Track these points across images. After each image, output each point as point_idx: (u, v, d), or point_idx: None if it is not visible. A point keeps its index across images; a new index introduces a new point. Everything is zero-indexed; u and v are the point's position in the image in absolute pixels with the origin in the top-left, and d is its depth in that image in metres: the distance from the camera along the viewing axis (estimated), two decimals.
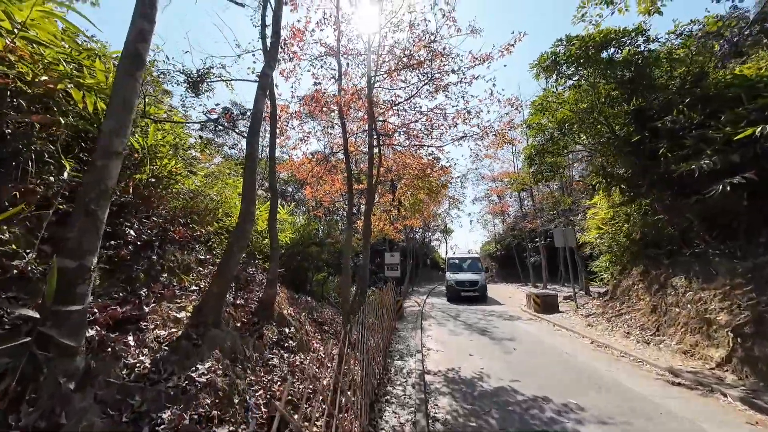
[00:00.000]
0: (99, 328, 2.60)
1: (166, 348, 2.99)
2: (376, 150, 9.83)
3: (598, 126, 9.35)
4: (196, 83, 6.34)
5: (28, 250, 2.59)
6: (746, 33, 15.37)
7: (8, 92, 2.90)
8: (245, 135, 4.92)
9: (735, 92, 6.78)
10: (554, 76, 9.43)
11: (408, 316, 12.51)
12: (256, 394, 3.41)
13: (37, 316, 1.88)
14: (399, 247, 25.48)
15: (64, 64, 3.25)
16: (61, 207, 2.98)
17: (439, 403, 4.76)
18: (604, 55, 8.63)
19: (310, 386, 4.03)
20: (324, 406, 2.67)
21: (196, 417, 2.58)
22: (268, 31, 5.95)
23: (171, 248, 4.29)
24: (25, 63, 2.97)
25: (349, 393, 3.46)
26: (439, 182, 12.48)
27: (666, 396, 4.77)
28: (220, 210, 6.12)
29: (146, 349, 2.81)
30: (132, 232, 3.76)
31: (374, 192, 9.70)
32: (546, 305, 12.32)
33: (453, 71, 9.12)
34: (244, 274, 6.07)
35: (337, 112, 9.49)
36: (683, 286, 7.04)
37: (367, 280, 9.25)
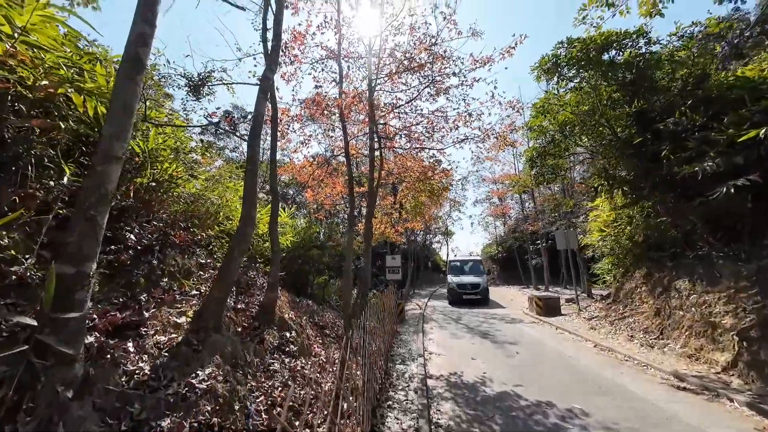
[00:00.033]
0: (98, 335, 2.57)
1: (166, 354, 2.95)
2: (377, 153, 9.82)
3: (600, 128, 9.32)
4: (197, 87, 6.35)
5: (27, 256, 2.57)
6: (747, 35, 15.37)
7: (9, 97, 2.90)
8: (246, 138, 4.91)
9: (737, 94, 6.75)
10: (555, 79, 9.42)
11: (409, 319, 12.45)
12: (257, 400, 3.38)
13: (35, 323, 1.86)
14: (400, 250, 25.43)
15: (65, 68, 3.25)
16: (61, 212, 2.96)
17: (442, 408, 4.71)
18: (606, 57, 8.62)
19: (312, 392, 4.00)
20: (326, 412, 2.64)
21: (196, 425, 2.54)
22: (269, 35, 5.96)
23: (171, 252, 4.26)
24: (25, 67, 2.96)
25: (351, 398, 3.42)
26: (440, 185, 12.45)
27: (671, 401, 4.71)
28: (221, 213, 6.10)
29: (146, 356, 2.78)
30: (132, 236, 3.73)
31: (375, 195, 9.67)
32: (548, 308, 12.25)
33: (454, 74, 9.11)
34: (245, 278, 6.05)
35: (338, 115, 9.49)
36: (687, 289, 6.98)
37: (369, 283, 9.21)
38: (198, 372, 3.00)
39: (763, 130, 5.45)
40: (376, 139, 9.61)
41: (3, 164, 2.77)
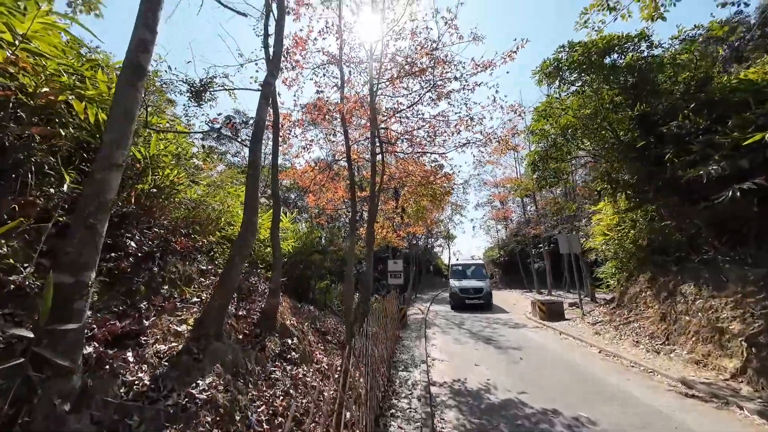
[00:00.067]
0: (97, 345, 2.53)
1: (166, 363, 2.91)
2: (378, 157, 9.80)
3: (602, 132, 9.29)
4: (199, 93, 6.35)
5: (26, 264, 2.54)
6: (747, 37, 15.34)
7: (10, 104, 2.88)
8: (248, 144, 4.89)
9: (741, 97, 6.72)
10: (557, 83, 9.42)
11: (411, 324, 12.37)
12: (258, 410, 3.32)
13: (31, 335, 1.82)
14: (402, 254, 25.34)
15: (66, 75, 3.24)
16: (61, 219, 2.94)
17: (446, 416, 4.64)
18: (607, 60, 8.61)
19: (314, 401, 3.94)
20: (328, 422, 2.59)
21: None
22: (271, 41, 5.96)
23: (172, 259, 4.23)
24: (27, 75, 2.95)
25: (354, 407, 3.36)
26: (442, 189, 12.41)
27: (680, 409, 4.62)
28: (223, 219, 6.08)
29: (145, 366, 2.73)
30: (133, 243, 3.70)
31: (377, 199, 9.64)
32: (551, 312, 12.15)
33: (455, 78, 9.11)
34: (247, 284, 6.00)
35: (339, 119, 9.49)
36: (693, 293, 6.90)
37: (371, 287, 9.15)
38: (198, 381, 2.96)
39: None
40: (377, 144, 9.59)
41: (3, 172, 2.75)
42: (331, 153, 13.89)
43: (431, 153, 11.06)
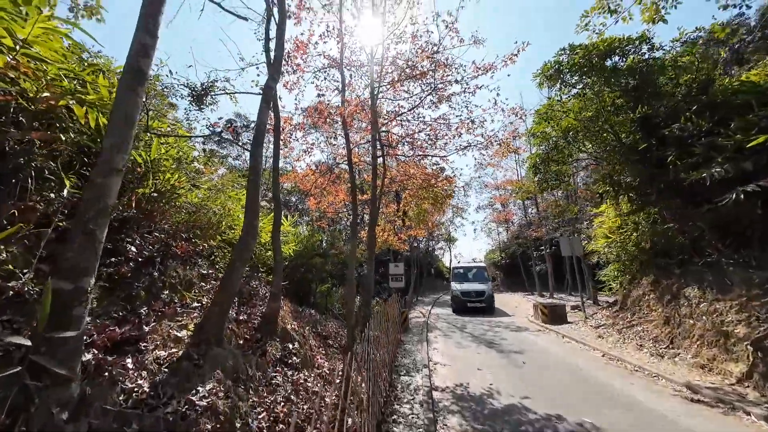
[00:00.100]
0: (96, 351, 2.50)
1: (166, 370, 2.88)
2: (379, 160, 9.79)
3: (604, 134, 9.27)
4: (200, 96, 6.36)
5: (25, 270, 2.52)
6: (747, 40, 15.33)
7: (11, 109, 2.88)
8: (248, 148, 4.88)
9: (744, 99, 6.70)
10: (558, 85, 9.41)
11: (413, 327, 12.31)
12: (259, 416, 3.28)
13: (29, 343, 1.79)
14: (403, 257, 25.31)
15: (67, 80, 3.23)
16: (61, 224, 2.92)
17: (449, 422, 4.59)
18: (609, 63, 8.61)
19: (315, 406, 3.90)
20: (330, 428, 2.55)
21: None
22: (272, 45, 5.97)
23: (173, 264, 4.21)
24: (27, 79, 2.94)
25: (355, 413, 3.32)
26: (443, 192, 12.39)
27: (685, 414, 4.56)
28: (224, 223, 6.06)
29: (145, 372, 2.70)
30: (133, 248, 3.68)
31: (378, 202, 9.62)
32: (554, 316, 12.08)
33: (456, 81, 9.11)
34: (247, 288, 5.97)
35: (340, 123, 9.49)
36: (697, 296, 6.85)
37: (372, 290, 9.11)
38: (198, 388, 2.92)
39: None
40: (378, 147, 9.59)
41: (3, 176, 2.74)
42: (332, 156, 13.90)
43: (432, 156, 11.05)
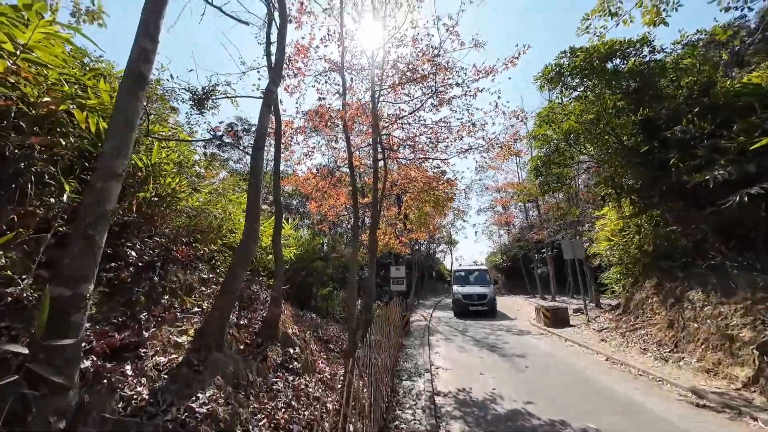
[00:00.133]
0: (95, 358, 2.48)
1: (166, 376, 2.85)
2: (380, 163, 9.78)
3: (605, 136, 9.25)
4: (202, 101, 6.36)
5: (24, 276, 2.50)
6: (748, 42, 15.34)
7: (11, 114, 2.87)
8: (249, 152, 4.87)
9: (746, 101, 6.67)
10: (559, 88, 9.40)
11: (414, 331, 12.24)
12: (260, 423, 3.24)
13: (26, 351, 1.77)
14: (404, 260, 25.24)
15: (68, 84, 3.23)
16: (60, 229, 2.90)
17: (452, 428, 4.53)
18: (610, 65, 8.60)
19: (316, 413, 3.86)
20: None
21: None
22: (273, 49, 5.98)
23: (173, 268, 4.18)
24: (28, 84, 2.94)
25: (357, 418, 3.28)
26: (444, 195, 12.36)
27: (692, 420, 4.50)
28: (224, 227, 6.04)
29: (144, 379, 2.67)
30: (134, 253, 3.66)
31: (379, 205, 9.60)
32: (556, 319, 11.99)
33: (457, 84, 9.12)
34: (248, 292, 5.95)
35: (341, 126, 9.49)
36: (701, 299, 6.79)
37: (373, 294, 9.07)
38: (198, 395, 2.89)
39: None
40: (379, 150, 9.59)
41: (3, 181, 2.73)
42: (333, 159, 13.90)
43: (433, 159, 11.04)
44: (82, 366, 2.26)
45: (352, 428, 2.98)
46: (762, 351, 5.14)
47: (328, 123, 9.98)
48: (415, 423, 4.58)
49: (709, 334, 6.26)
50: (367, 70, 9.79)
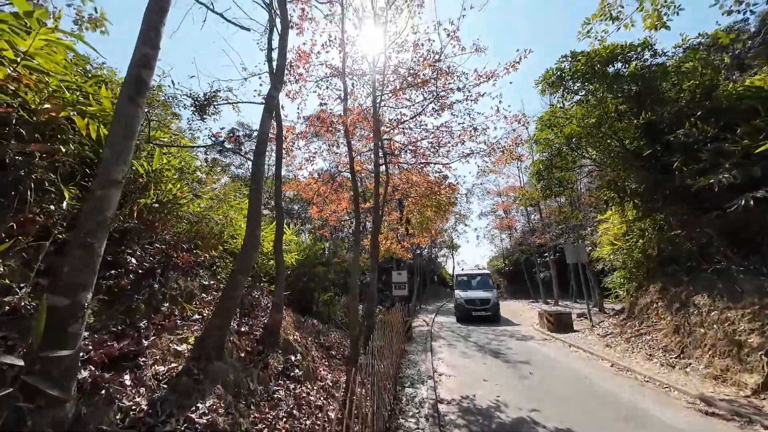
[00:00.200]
0: (93, 368, 2.43)
1: (165, 386, 2.80)
2: (382, 168, 9.77)
3: (608, 140, 9.22)
4: (203, 107, 6.37)
5: (22, 285, 2.47)
6: (749, 45, 15.35)
7: (12, 121, 2.86)
8: (251, 158, 4.86)
9: (749, 104, 6.63)
10: (560, 92, 9.39)
11: (417, 336, 12.14)
12: None
13: (21, 363, 1.73)
14: (406, 265, 25.15)
15: (69, 91, 3.22)
16: (60, 237, 2.87)
17: None
18: (611, 69, 8.59)
19: (318, 423, 3.79)
20: None
21: None
22: (275, 54, 5.99)
23: (174, 275, 4.15)
24: (29, 91, 2.93)
25: (360, 428, 3.22)
26: (446, 199, 12.33)
27: (701, 429, 4.42)
28: (225, 233, 6.01)
29: (143, 389, 2.63)
30: (134, 259, 3.63)
31: (381, 210, 9.57)
32: (560, 324, 11.89)
33: (458, 89, 9.13)
34: (249, 299, 5.90)
35: (342, 131, 9.50)
36: (707, 304, 6.70)
37: (375, 299, 9.01)
38: (198, 405, 2.84)
39: None
40: (381, 155, 9.58)
41: (3, 188, 2.71)
42: (335, 164, 13.90)
43: (435, 163, 11.03)
44: (79, 376, 2.22)
45: None
46: None
47: (330, 128, 9.99)
48: None
49: (716, 339, 6.16)
50: (369, 75, 9.83)
